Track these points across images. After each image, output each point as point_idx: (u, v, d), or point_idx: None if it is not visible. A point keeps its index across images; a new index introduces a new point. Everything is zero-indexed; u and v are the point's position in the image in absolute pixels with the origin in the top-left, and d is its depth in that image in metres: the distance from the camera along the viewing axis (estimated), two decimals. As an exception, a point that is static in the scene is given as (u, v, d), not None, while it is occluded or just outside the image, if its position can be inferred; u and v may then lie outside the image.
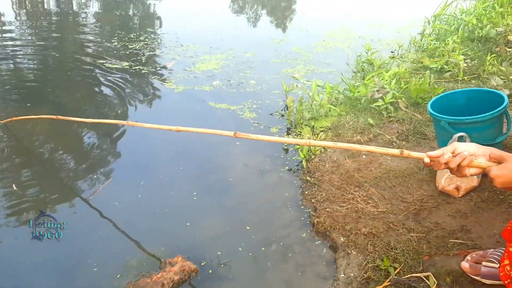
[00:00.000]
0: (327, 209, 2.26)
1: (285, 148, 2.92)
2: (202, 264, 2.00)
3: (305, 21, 6.10)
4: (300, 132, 3.07)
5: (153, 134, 3.02)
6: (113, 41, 5.12)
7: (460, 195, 2.16)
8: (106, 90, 3.82)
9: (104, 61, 4.44)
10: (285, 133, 3.12)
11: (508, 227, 1.45)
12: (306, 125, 3.15)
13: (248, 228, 2.22)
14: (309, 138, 2.90)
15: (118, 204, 2.40)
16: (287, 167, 2.72)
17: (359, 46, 4.54)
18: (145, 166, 2.77)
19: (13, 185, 2.49)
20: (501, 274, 1.45)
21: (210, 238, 2.16)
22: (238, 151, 2.90)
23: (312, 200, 2.38)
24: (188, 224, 2.25)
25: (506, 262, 1.42)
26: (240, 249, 2.09)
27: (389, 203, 2.23)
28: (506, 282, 1.43)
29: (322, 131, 3.03)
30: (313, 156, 2.74)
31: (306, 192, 2.46)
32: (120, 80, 3.99)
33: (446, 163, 1.31)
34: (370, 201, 2.25)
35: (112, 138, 3.07)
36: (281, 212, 2.34)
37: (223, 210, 2.38)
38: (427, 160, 1.31)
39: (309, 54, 4.65)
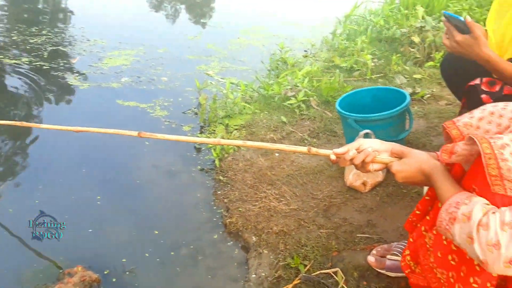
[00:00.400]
0: (240, 209, 2.21)
1: (197, 147, 2.84)
2: (105, 272, 1.86)
3: (220, 18, 6.04)
4: (214, 130, 3.00)
5: (52, 135, 2.80)
6: (12, 35, 4.71)
7: (366, 190, 2.22)
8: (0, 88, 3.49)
9: (0, 56, 4.07)
10: (198, 131, 3.04)
11: (410, 219, 1.49)
12: (220, 123, 3.09)
13: (156, 232, 2.11)
14: (223, 136, 2.84)
15: (13, 211, 2.19)
16: (199, 167, 2.64)
17: (274, 44, 4.56)
18: (44, 170, 2.55)
19: None
20: (402, 264, 1.49)
21: (114, 245, 2.03)
22: (146, 151, 2.77)
23: (225, 200, 2.32)
24: (91, 230, 2.09)
25: (407, 252, 1.46)
26: (147, 254, 1.98)
27: (300, 200, 2.23)
28: (406, 271, 1.47)
29: (236, 129, 2.99)
30: (226, 155, 2.69)
31: (218, 192, 2.40)
32: (18, 77, 3.66)
33: (351, 160, 1.33)
34: (282, 199, 2.24)
35: (5, 140, 2.80)
36: (192, 214, 2.26)
37: (129, 215, 2.25)
38: (333, 157, 1.33)
39: (223, 51, 4.59)
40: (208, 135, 2.94)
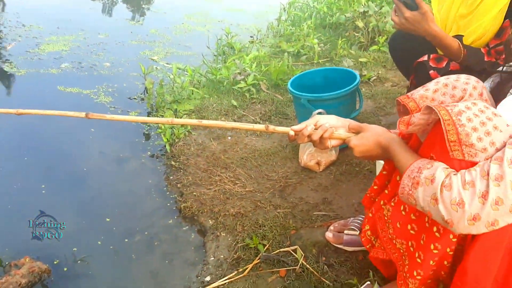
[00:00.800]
0: (194, 193, 2.16)
1: (146, 133, 2.75)
2: (55, 262, 1.77)
3: (162, 3, 5.87)
4: (162, 115, 2.91)
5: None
6: None
7: (321, 170, 2.24)
8: None
9: None
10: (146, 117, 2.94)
11: (367, 194, 1.51)
12: (169, 108, 3.00)
13: (108, 220, 2.03)
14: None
15: None
16: (149, 153, 2.56)
17: (219, 30, 4.50)
18: (-20, 159, 2.38)
19: None
20: (362, 239, 1.51)
21: (63, 234, 1.92)
22: (93, 138, 2.65)
23: (178, 185, 2.26)
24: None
25: (367, 227, 1.48)
26: (99, 243, 1.89)
27: (255, 182, 2.21)
28: (367, 246, 1.49)
29: (185, 114, 2.92)
30: (177, 140, 2.62)
31: (171, 178, 2.34)
32: None
33: (309, 136, 1.32)
34: (238, 182, 2.22)
35: None
36: (145, 201, 2.19)
37: (77, 204, 2.14)
38: (292, 133, 1.32)
39: (168, 37, 4.47)
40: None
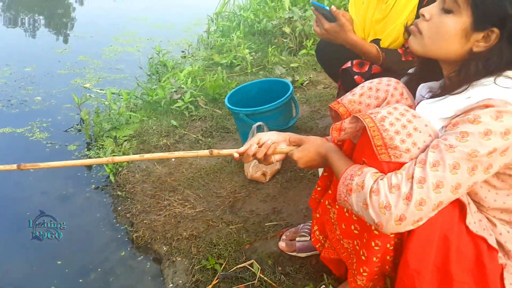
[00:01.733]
0: (145, 221, 2.15)
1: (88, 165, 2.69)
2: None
3: (86, 27, 5.73)
4: (102, 145, 2.87)
5: None
6: None
7: (267, 180, 2.30)
8: None
9: None
10: (85, 149, 2.87)
11: (313, 196, 1.59)
12: (108, 136, 2.96)
13: (59, 262, 1.98)
14: (113, 150, 2.73)
15: None
16: (93, 186, 2.52)
17: (149, 48, 4.47)
18: None
19: None
20: (312, 240, 1.59)
21: (12, 284, 1.86)
22: (32, 179, 2.56)
23: (127, 215, 2.24)
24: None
25: (315, 228, 1.57)
26: (53, 287, 1.85)
27: (205, 201, 2.24)
28: (317, 246, 1.58)
29: (125, 140, 2.88)
30: (120, 169, 2.58)
31: (119, 208, 2.31)
32: None
33: (254, 155, 1.39)
34: (187, 203, 2.23)
35: None
36: (95, 236, 2.15)
37: (24, 249, 2.07)
38: (236, 155, 1.38)
39: (97, 62, 4.39)
40: (96, 151, 2.80)
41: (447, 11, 1.16)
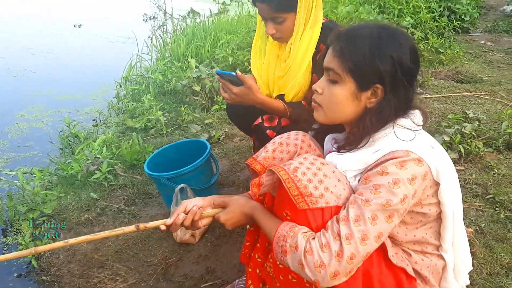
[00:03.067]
0: (75, 304, 2.07)
1: (6, 250, 2.53)
2: None
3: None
4: (19, 229, 2.71)
5: None
6: None
7: (197, 241, 2.32)
8: None
9: None
10: (1, 236, 2.70)
11: (243, 252, 1.64)
12: (24, 219, 2.81)
13: None
14: (32, 233, 2.60)
15: None
16: (15, 274, 2.36)
17: (58, 121, 4.36)
18: None
19: None
20: (248, 294, 1.63)
21: None
22: None
23: (56, 300, 2.14)
24: None
25: (249, 282, 1.61)
26: None
27: (136, 272, 2.20)
28: (253, 300, 1.61)
29: (44, 221, 2.75)
30: (42, 252, 2.46)
31: (45, 295, 2.19)
32: None
33: (181, 223, 1.43)
34: (118, 278, 2.18)
35: None
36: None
37: None
38: (163, 227, 1.41)
39: (4, 142, 4.17)
40: (14, 237, 2.64)
41: (333, 81, 1.33)
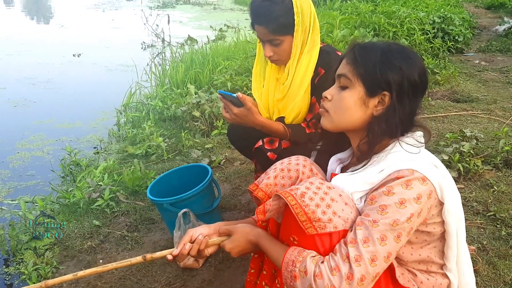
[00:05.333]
0: (80, 333, 2.05)
1: (8, 283, 2.52)
2: None
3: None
4: (22, 258, 2.70)
5: None
6: None
7: (200, 265, 2.32)
8: None
9: None
10: (3, 266, 2.69)
11: (248, 279, 1.64)
12: (27, 248, 2.80)
13: None
14: (34, 262, 2.59)
15: None
16: (17, 305, 2.36)
17: (59, 150, 4.39)
18: None
19: None
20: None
21: None
22: None
23: (59, 330, 2.12)
24: None
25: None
26: None
27: (141, 299, 2.19)
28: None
29: (47, 249, 2.75)
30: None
31: (49, 325, 2.17)
32: None
33: (188, 253, 1.44)
34: (122, 305, 2.17)
35: None
36: None
37: None
38: (170, 257, 1.42)
39: (5, 171, 4.19)
40: (16, 267, 2.64)
41: (343, 88, 1.38)
